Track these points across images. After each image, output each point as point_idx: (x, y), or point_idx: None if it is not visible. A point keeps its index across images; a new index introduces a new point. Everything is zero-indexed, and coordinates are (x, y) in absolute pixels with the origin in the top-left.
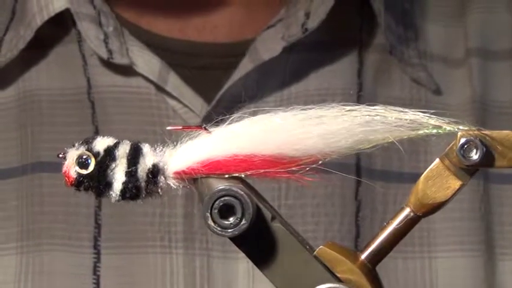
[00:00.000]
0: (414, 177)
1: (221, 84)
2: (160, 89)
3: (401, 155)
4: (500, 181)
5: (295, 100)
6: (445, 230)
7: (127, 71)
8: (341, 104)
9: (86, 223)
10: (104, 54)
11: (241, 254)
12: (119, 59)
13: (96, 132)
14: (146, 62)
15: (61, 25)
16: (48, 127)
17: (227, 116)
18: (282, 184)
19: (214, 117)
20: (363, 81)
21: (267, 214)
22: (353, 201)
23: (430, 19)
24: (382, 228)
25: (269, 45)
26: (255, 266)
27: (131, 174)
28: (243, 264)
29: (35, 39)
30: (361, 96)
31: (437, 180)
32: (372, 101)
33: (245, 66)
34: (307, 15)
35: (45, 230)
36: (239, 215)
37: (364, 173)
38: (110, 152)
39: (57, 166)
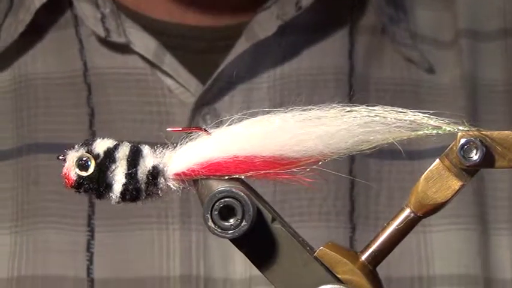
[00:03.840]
0: (407, 154)
1: (216, 66)
2: (156, 67)
3: None
4: None
5: (288, 79)
6: None
7: (124, 50)
8: (341, 104)
9: (80, 201)
10: (102, 33)
11: None
12: (115, 38)
13: (92, 114)
14: (143, 41)
15: (58, 10)
16: (44, 109)
17: (226, 118)
18: None
19: (210, 96)
20: (354, 61)
21: (267, 215)
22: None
23: (420, 1)
24: (383, 229)
25: (264, 25)
26: None
27: (131, 176)
28: None
29: (32, 25)
30: (352, 76)
31: (437, 181)
32: (363, 81)
33: (241, 45)
34: None
35: (40, 209)
36: (239, 216)
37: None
38: (109, 154)
39: (52, 147)
